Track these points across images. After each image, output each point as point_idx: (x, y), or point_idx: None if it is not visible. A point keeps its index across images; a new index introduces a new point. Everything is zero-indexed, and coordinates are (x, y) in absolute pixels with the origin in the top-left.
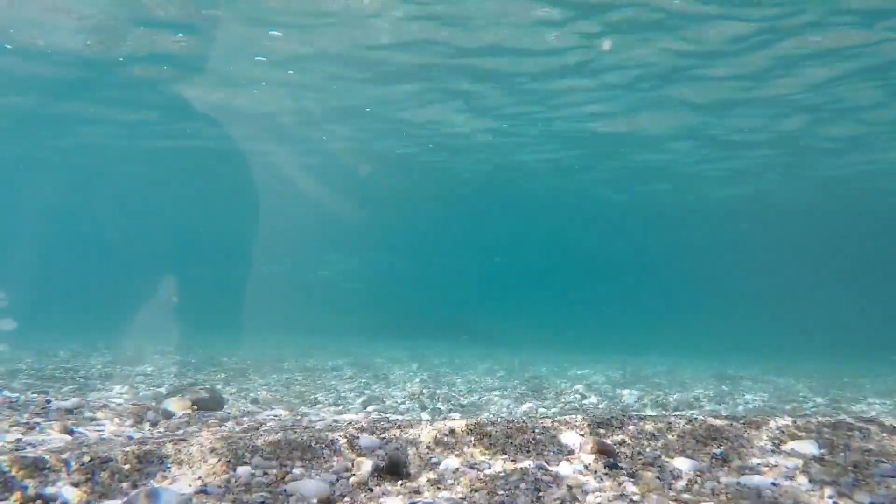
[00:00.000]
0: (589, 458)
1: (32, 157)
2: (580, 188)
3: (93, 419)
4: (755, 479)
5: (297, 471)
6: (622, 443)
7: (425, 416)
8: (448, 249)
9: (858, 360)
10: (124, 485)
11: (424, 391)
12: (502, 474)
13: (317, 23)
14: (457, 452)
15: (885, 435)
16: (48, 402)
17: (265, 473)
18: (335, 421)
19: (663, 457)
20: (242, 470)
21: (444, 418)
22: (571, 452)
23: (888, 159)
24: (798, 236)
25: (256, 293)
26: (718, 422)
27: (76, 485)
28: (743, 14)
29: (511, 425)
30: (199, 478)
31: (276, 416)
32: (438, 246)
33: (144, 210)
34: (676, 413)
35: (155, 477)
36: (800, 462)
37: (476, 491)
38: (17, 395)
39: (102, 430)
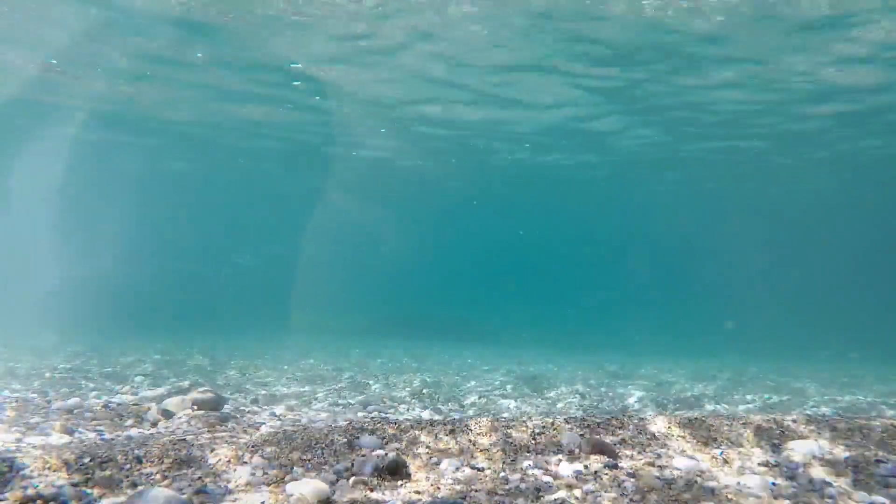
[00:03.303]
0: (589, 458)
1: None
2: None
3: (93, 419)
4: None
5: (296, 470)
6: (622, 442)
7: (426, 415)
8: (447, 249)
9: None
10: (123, 484)
11: (425, 391)
12: (503, 474)
13: None
14: (456, 452)
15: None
16: (48, 402)
17: (265, 473)
18: (335, 421)
19: (663, 456)
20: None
21: (445, 418)
22: (571, 452)
23: None
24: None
25: (254, 289)
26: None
27: (76, 485)
28: None
29: (511, 424)
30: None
31: (276, 415)
32: (437, 246)
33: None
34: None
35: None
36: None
37: (476, 490)
38: (16, 394)
39: (102, 430)
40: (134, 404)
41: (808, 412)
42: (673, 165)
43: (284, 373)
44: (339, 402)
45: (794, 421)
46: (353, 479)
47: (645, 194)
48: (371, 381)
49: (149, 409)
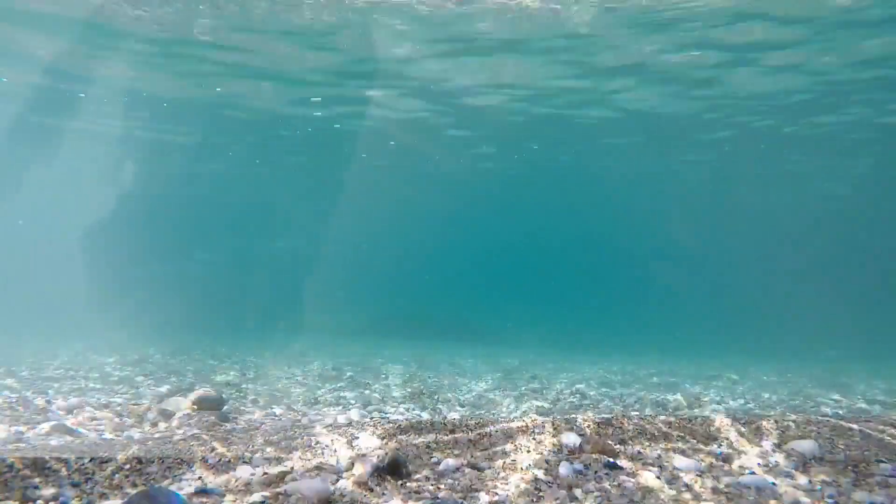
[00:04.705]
0: (590, 458)
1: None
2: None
3: (93, 419)
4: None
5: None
6: (622, 442)
7: (425, 416)
8: (446, 248)
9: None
10: (124, 485)
11: (424, 391)
12: (503, 474)
13: None
14: (457, 452)
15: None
16: (49, 402)
17: (265, 473)
18: (335, 421)
19: (663, 457)
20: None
21: (444, 419)
22: (572, 452)
23: None
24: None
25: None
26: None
27: (76, 485)
28: None
29: (511, 424)
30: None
31: (275, 416)
32: (436, 244)
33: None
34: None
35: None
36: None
37: (477, 490)
38: (17, 395)
39: (102, 430)
40: (134, 404)
41: (808, 412)
42: (677, 165)
43: (284, 372)
44: (340, 401)
45: (795, 421)
46: (352, 478)
47: (647, 194)
48: (371, 381)
49: (149, 408)
